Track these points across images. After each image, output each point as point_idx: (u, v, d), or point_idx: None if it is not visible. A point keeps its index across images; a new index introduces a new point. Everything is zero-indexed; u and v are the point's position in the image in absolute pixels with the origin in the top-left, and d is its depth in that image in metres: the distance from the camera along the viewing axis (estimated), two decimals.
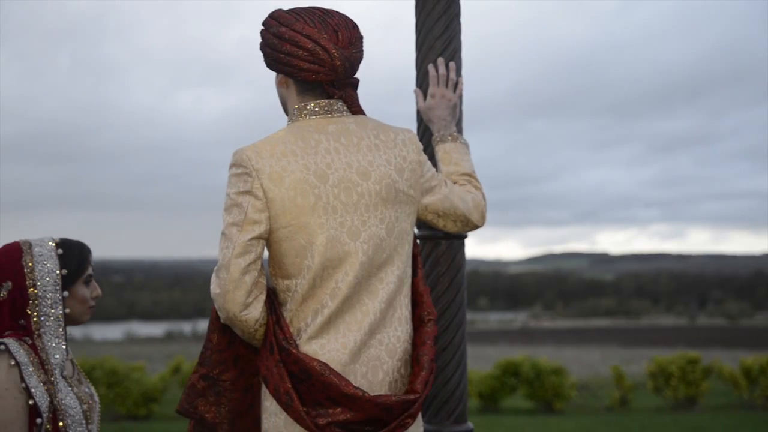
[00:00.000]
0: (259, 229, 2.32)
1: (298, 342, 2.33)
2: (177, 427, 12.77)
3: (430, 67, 2.90)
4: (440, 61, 2.90)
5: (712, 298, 74.95)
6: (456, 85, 2.90)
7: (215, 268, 2.36)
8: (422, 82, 2.93)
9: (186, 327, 52.57)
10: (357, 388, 2.28)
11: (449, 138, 2.80)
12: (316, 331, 2.33)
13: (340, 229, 2.34)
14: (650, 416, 13.63)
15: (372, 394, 2.30)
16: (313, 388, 2.29)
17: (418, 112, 2.95)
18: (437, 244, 2.87)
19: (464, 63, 2.98)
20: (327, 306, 2.34)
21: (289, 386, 2.28)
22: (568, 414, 14.31)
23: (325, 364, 2.28)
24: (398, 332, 2.41)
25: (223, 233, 2.35)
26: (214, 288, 2.34)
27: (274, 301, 2.39)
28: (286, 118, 2.53)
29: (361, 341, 2.35)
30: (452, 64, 2.90)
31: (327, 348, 2.32)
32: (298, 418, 2.28)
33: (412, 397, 2.34)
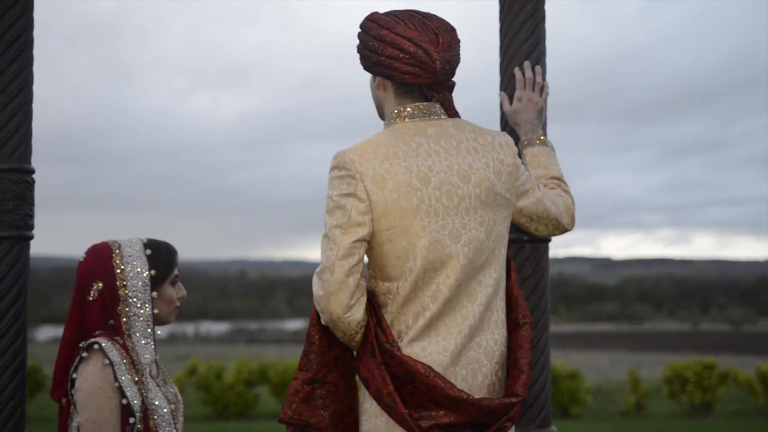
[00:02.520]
0: (363, 232, 2.32)
1: (399, 344, 2.33)
2: (195, 428, 12.77)
3: (517, 71, 2.90)
4: (527, 64, 2.91)
5: (715, 303, 74.82)
6: (542, 89, 2.90)
7: (317, 270, 2.35)
8: (507, 86, 2.94)
9: (189, 328, 52.52)
10: (461, 390, 2.28)
11: (537, 141, 2.81)
12: (417, 333, 2.33)
13: (441, 232, 2.34)
14: (666, 421, 13.62)
15: (475, 397, 2.30)
16: (416, 390, 2.28)
17: (503, 115, 2.95)
18: (522, 247, 2.88)
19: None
20: (428, 309, 2.34)
21: (392, 388, 2.28)
22: (584, 419, 14.30)
23: (429, 367, 2.28)
24: (495, 335, 2.41)
25: (326, 235, 2.34)
26: (317, 290, 2.34)
27: (374, 304, 2.39)
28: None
29: (462, 344, 2.34)
30: (538, 68, 2.91)
31: (428, 351, 2.32)
32: (401, 421, 2.28)
33: (514, 400, 2.34)
